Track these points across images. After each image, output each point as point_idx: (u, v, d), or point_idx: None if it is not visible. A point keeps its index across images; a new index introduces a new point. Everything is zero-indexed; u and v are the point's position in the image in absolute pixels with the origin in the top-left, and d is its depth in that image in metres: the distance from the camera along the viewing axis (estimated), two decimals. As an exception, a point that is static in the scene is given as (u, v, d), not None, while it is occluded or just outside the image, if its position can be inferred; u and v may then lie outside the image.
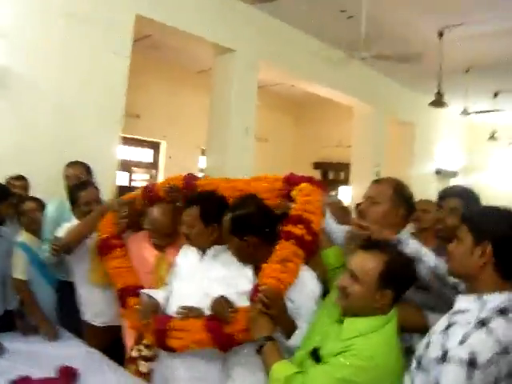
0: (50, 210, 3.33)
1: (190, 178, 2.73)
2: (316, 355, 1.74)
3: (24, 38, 4.05)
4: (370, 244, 1.82)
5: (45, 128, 4.19)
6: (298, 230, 2.11)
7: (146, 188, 2.89)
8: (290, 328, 1.98)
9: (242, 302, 2.13)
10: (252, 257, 2.17)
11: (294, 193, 2.26)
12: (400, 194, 2.09)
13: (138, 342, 2.57)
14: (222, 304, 2.11)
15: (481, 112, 9.07)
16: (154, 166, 8.39)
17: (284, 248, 2.10)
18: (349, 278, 1.74)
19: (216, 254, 2.38)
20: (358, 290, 1.71)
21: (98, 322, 3.02)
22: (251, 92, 6.25)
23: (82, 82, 4.43)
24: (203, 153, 8.39)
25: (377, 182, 2.20)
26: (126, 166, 7.79)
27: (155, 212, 2.73)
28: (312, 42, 6.92)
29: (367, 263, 1.72)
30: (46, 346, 2.88)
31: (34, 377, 2.36)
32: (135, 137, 7.77)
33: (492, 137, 9.82)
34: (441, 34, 6.46)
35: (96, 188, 3.11)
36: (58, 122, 4.27)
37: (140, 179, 8.23)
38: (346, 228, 2.31)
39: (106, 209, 2.90)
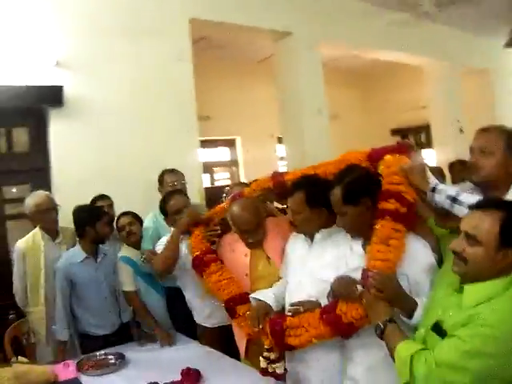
0: (147, 222, 3.50)
1: (277, 176, 2.68)
2: (439, 329, 1.67)
3: (91, 65, 4.23)
4: (483, 202, 1.71)
5: (126, 147, 4.34)
6: (391, 205, 2.02)
7: (233, 198, 2.82)
8: (409, 307, 1.90)
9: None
10: (366, 224, 2.09)
11: (380, 169, 2.18)
12: None
13: (247, 345, 2.64)
14: (345, 283, 2.05)
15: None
16: (233, 163, 8.47)
17: (382, 226, 2.02)
18: (465, 241, 1.63)
19: (324, 238, 2.36)
20: (477, 252, 1.59)
21: (209, 323, 3.09)
22: (316, 72, 6.13)
23: (151, 96, 4.54)
24: (279, 141, 8.41)
25: (484, 130, 2.07)
26: (206, 167, 7.90)
27: (235, 209, 2.65)
28: (370, 8, 6.68)
29: (484, 222, 1.60)
30: (164, 352, 3.05)
31: (161, 382, 2.47)
32: (210, 138, 7.88)
33: None
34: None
35: (185, 195, 3.16)
36: (138, 139, 4.41)
37: (222, 178, 8.35)
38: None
39: (184, 225, 2.89)
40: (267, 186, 2.72)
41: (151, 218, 3.55)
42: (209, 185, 7.89)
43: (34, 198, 3.42)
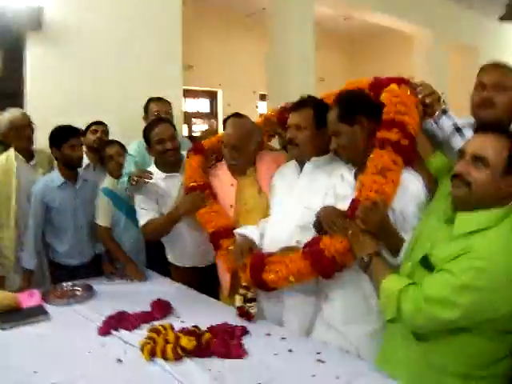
0: (132, 149, 3.33)
1: (283, 112, 2.59)
2: (427, 263, 1.61)
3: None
4: (487, 127, 1.63)
5: (104, 79, 4.19)
6: (393, 135, 1.93)
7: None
8: (395, 243, 1.84)
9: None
10: (361, 149, 2.02)
11: (383, 96, 2.07)
12: None
13: (232, 281, 2.56)
14: (331, 213, 1.98)
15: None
16: (212, 115, 8.32)
17: (380, 156, 1.93)
18: (470, 164, 1.56)
19: (314, 168, 2.29)
20: (483, 175, 1.53)
21: (181, 263, 3.01)
22: (309, 23, 6.05)
23: (136, 32, 4.41)
24: (261, 98, 8.28)
25: (497, 65, 1.99)
26: (185, 117, 7.73)
27: (228, 125, 2.58)
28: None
29: (494, 144, 1.53)
30: (135, 286, 2.96)
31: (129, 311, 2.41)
32: (191, 88, 7.69)
33: None
34: None
35: (171, 125, 2.93)
36: (117, 73, 4.27)
37: (199, 130, 8.19)
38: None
39: (186, 212, 2.69)
40: (272, 118, 2.65)
41: (136, 144, 3.36)
42: (186, 135, 7.72)
43: (8, 115, 3.24)
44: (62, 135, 3.03)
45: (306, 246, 2.08)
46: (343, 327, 2.05)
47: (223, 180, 2.69)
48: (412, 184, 1.95)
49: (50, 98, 3.85)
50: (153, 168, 2.89)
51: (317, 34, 6.26)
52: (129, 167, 3.03)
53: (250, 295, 2.29)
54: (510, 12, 6.36)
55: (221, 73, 7.97)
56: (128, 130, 3.75)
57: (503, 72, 1.95)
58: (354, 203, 1.92)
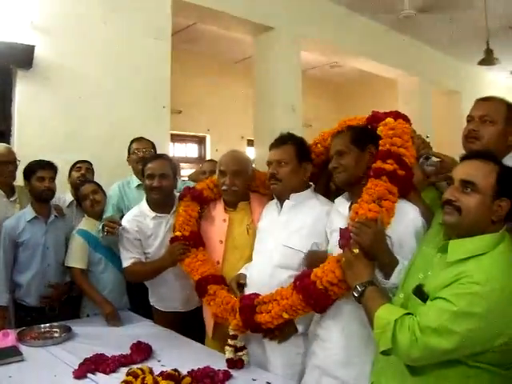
0: (111, 192, 3.32)
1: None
2: (421, 293, 1.55)
3: (65, 30, 4.02)
4: (474, 154, 1.63)
5: (92, 119, 4.14)
6: (389, 166, 1.93)
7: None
8: (391, 265, 1.79)
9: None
10: (360, 177, 2.02)
11: (379, 129, 2.09)
12: None
13: (216, 323, 2.51)
14: (317, 257, 1.98)
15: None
16: (200, 160, 8.32)
17: (376, 185, 1.91)
18: (460, 189, 1.54)
19: (294, 206, 2.28)
20: (474, 199, 1.51)
21: (164, 307, 2.91)
22: (295, 69, 6.08)
23: (125, 72, 4.36)
24: (249, 143, 8.32)
25: (485, 99, 2.02)
26: (173, 162, 7.76)
27: (228, 153, 2.63)
28: (351, 15, 6.72)
29: (482, 169, 1.53)
30: (115, 328, 2.83)
31: (108, 354, 2.30)
32: (179, 132, 7.71)
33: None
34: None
35: (169, 161, 2.87)
36: (105, 113, 4.21)
37: (188, 174, 8.17)
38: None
39: (172, 263, 2.65)
40: None
41: (116, 187, 3.37)
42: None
43: None
44: (31, 168, 3.03)
45: (296, 279, 2.03)
46: (341, 370, 1.96)
47: (215, 216, 2.66)
48: (408, 213, 1.92)
49: (37, 135, 3.79)
50: (144, 205, 2.84)
51: (303, 81, 6.35)
52: (107, 213, 3.01)
53: (239, 344, 2.22)
54: (488, 57, 6.50)
55: (209, 118, 8.00)
56: (115, 169, 3.73)
57: (491, 105, 1.97)
58: (344, 231, 1.88)
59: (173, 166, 2.85)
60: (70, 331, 2.66)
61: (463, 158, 1.64)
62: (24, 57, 3.75)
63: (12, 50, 3.69)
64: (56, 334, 2.66)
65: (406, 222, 1.90)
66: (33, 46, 3.76)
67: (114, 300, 2.99)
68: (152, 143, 3.56)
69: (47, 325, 2.74)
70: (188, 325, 2.78)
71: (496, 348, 1.42)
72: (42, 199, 3.03)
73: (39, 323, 2.77)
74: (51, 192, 3.03)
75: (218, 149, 8.20)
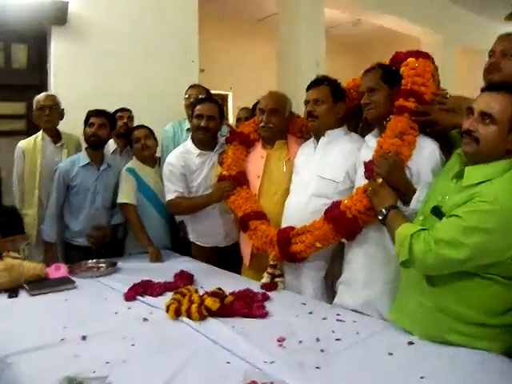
0: (167, 128, 3.63)
1: None
2: (438, 212, 1.72)
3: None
4: (494, 85, 1.75)
5: (125, 75, 4.29)
6: (410, 104, 2.08)
7: None
8: (410, 193, 1.97)
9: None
10: (388, 110, 2.17)
11: (402, 69, 2.23)
12: None
13: (253, 253, 2.73)
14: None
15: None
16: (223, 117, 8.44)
17: (398, 121, 2.07)
18: (479, 120, 1.66)
19: (329, 141, 2.47)
20: (490, 131, 1.64)
21: (204, 242, 3.11)
22: (319, 26, 6.15)
23: (156, 30, 4.50)
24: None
25: (506, 35, 2.10)
26: (195, 119, 7.86)
27: (267, 96, 2.79)
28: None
29: (501, 101, 1.64)
30: (157, 264, 3.03)
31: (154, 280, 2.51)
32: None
33: None
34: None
35: (218, 105, 3.05)
36: (140, 70, 4.38)
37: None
38: None
39: (218, 199, 2.87)
40: None
41: (170, 128, 3.72)
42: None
43: (36, 97, 3.39)
44: (86, 115, 3.22)
45: (327, 211, 2.22)
46: (363, 289, 2.16)
47: (255, 153, 2.86)
48: (428, 146, 2.07)
49: (71, 89, 3.95)
50: (189, 143, 3.03)
51: (326, 40, 6.39)
52: (166, 151, 3.37)
53: (277, 272, 2.45)
54: None
55: (231, 76, 8.07)
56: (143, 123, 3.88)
57: (511, 39, 2.06)
58: (369, 164, 2.07)
59: (220, 110, 3.04)
60: (116, 265, 2.88)
61: (484, 90, 1.75)
62: (58, 14, 3.89)
63: (47, 7, 3.83)
64: (102, 268, 2.89)
65: (424, 154, 2.06)
66: (67, 3, 3.90)
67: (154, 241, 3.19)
68: (206, 89, 3.75)
69: (94, 260, 2.97)
70: (225, 259, 3.00)
71: (505, 261, 1.58)
72: (89, 144, 3.20)
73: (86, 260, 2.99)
74: (97, 138, 3.16)
75: (239, 106, 8.31)
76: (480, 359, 1.60)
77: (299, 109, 2.83)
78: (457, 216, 1.61)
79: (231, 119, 8.37)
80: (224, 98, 8.42)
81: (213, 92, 8.07)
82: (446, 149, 2.06)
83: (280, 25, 6.21)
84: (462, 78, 8.48)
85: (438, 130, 2.09)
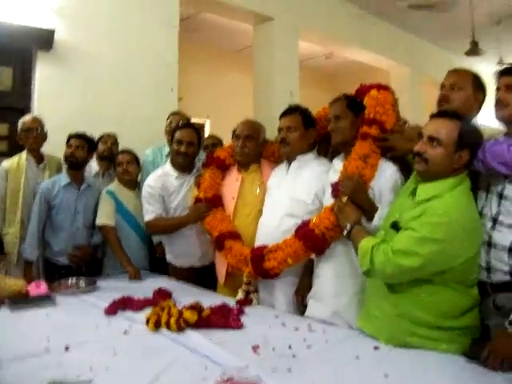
0: (147, 152, 3.78)
1: None
2: (396, 226, 1.91)
3: (84, 15, 4.34)
4: (440, 113, 1.97)
5: (106, 99, 4.44)
6: (373, 131, 2.30)
7: None
8: (371, 210, 2.16)
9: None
10: (353, 136, 2.36)
11: (365, 100, 2.44)
12: (478, 80, 2.25)
13: (228, 272, 2.85)
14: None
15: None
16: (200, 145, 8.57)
17: (362, 146, 2.28)
18: (428, 144, 1.87)
19: (300, 166, 2.64)
20: (439, 152, 1.84)
21: (180, 263, 3.23)
22: (293, 58, 6.41)
23: (133, 53, 4.68)
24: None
25: (455, 71, 2.32)
26: (173, 146, 7.98)
27: (243, 123, 2.98)
28: (347, 5, 7.10)
29: (446, 126, 1.86)
30: (136, 282, 3.12)
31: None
32: (178, 116, 7.97)
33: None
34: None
35: (196, 131, 3.21)
36: (121, 95, 4.55)
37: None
38: None
39: (194, 220, 3.02)
40: None
41: (150, 152, 3.90)
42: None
43: (22, 118, 3.53)
44: (67, 138, 3.36)
45: (297, 229, 2.40)
46: (332, 300, 2.32)
47: (230, 177, 3.03)
48: (388, 169, 2.29)
49: (54, 113, 4.05)
50: (168, 165, 3.18)
51: (300, 71, 6.63)
52: (145, 175, 3.44)
53: (251, 289, 2.59)
54: (474, 48, 6.99)
55: (209, 104, 8.26)
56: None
57: (459, 74, 2.29)
58: (335, 184, 2.26)
59: (199, 136, 3.22)
60: (95, 283, 2.96)
61: (432, 116, 1.97)
62: (45, 39, 4.05)
63: (34, 33, 3.98)
64: (82, 286, 2.96)
65: (385, 176, 2.27)
66: (53, 30, 4.05)
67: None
68: (186, 117, 3.97)
69: (74, 278, 3.04)
70: (202, 279, 3.11)
71: (456, 267, 1.78)
72: (68, 164, 3.33)
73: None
74: (74, 158, 3.29)
75: (216, 134, 8.47)
76: (440, 360, 1.76)
77: (274, 135, 3.02)
78: (411, 229, 1.80)
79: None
80: (201, 126, 8.59)
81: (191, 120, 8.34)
82: (405, 170, 2.27)
83: (256, 56, 6.45)
84: (429, 108, 8.85)
85: (395, 155, 2.29)
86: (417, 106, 8.42)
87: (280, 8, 6.14)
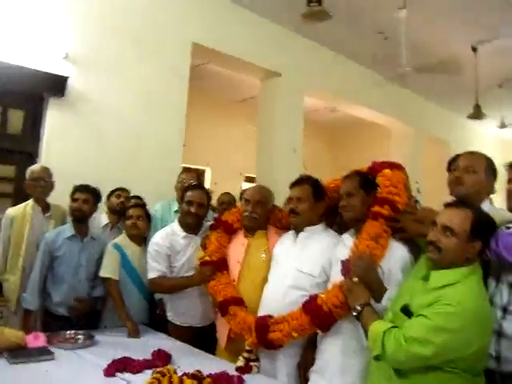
0: (156, 207, 3.78)
1: None
2: (407, 311, 1.91)
3: (98, 64, 4.45)
4: (454, 202, 2.03)
5: (114, 151, 4.53)
6: (385, 211, 2.31)
7: None
8: (381, 292, 2.17)
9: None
10: (364, 214, 2.37)
11: (378, 179, 2.47)
12: (491, 165, 2.31)
13: (229, 336, 2.80)
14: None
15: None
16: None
17: (374, 226, 2.30)
18: (441, 233, 1.91)
19: (308, 236, 2.64)
20: (452, 242, 1.88)
21: (181, 321, 3.19)
22: (298, 114, 6.55)
23: (147, 107, 4.79)
24: (246, 180, 8.72)
25: (470, 154, 2.38)
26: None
27: (253, 188, 3.02)
28: (352, 65, 7.31)
29: (460, 217, 1.90)
30: (135, 339, 3.07)
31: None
32: (182, 165, 8.04)
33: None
34: (474, 49, 6.66)
35: (206, 193, 3.25)
36: (128, 146, 4.63)
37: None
38: None
39: (198, 282, 3.00)
40: None
41: (159, 207, 3.90)
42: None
43: (31, 167, 3.56)
44: (72, 190, 3.36)
45: (305, 303, 2.39)
46: (337, 378, 2.29)
47: (237, 240, 3.02)
48: (398, 249, 2.31)
49: (62, 160, 4.11)
50: (176, 224, 3.19)
51: (303, 122, 6.76)
52: (153, 229, 3.44)
53: (252, 357, 2.55)
54: (477, 112, 7.09)
55: (210, 152, 8.36)
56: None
57: (474, 158, 2.35)
58: (346, 263, 2.27)
59: (208, 196, 3.24)
60: (93, 338, 2.92)
61: (446, 205, 2.02)
62: (57, 86, 4.14)
63: (47, 78, 4.07)
64: (80, 340, 2.92)
65: (395, 257, 2.28)
66: (66, 77, 4.15)
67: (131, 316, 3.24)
68: (197, 174, 4.06)
69: (72, 331, 3.00)
70: (201, 339, 3.07)
71: (466, 357, 1.78)
72: (74, 218, 3.32)
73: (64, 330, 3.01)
74: (80, 213, 3.29)
75: (216, 182, 8.56)
76: None
77: (275, 187, 3.08)
78: (424, 316, 1.80)
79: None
80: (201, 172, 8.66)
81: (191, 166, 8.42)
82: (415, 251, 2.29)
83: (261, 109, 6.58)
84: (429, 165, 9.01)
85: (406, 237, 2.32)
86: (419, 163, 8.58)
87: (288, 65, 6.31)
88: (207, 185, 8.60)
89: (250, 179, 8.99)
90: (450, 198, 2.48)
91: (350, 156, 10.48)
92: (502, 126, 8.74)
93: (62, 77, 4.12)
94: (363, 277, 2.16)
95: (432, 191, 7.98)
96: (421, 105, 8.90)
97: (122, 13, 4.63)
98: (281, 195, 3.02)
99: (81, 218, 3.32)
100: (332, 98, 7.60)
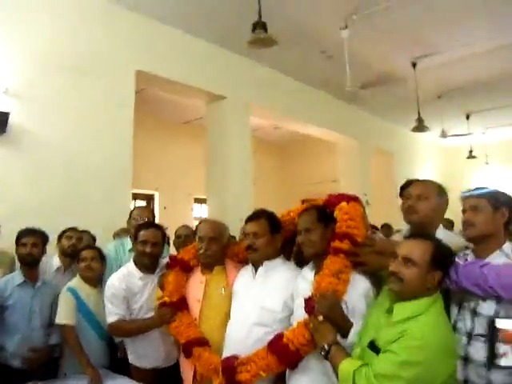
0: (109, 247, 3.60)
1: None
2: (374, 347, 1.92)
3: (38, 98, 4.32)
4: (413, 234, 2.06)
5: (59, 185, 4.37)
6: (345, 245, 2.30)
7: None
8: (346, 328, 2.14)
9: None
10: (325, 248, 2.34)
11: (336, 213, 2.46)
12: (442, 189, 2.36)
13: (195, 380, 2.71)
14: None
15: (456, 135, 9.57)
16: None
17: (335, 262, 2.28)
18: (402, 264, 1.93)
19: (267, 271, 2.60)
20: (413, 272, 1.90)
21: (143, 364, 3.06)
22: (245, 133, 6.58)
23: (91, 137, 4.67)
24: (196, 201, 8.62)
25: (421, 182, 2.43)
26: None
27: (205, 223, 2.93)
28: (298, 84, 7.42)
29: (420, 248, 1.93)
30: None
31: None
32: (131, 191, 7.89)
33: (470, 155, 10.29)
34: (414, 65, 6.93)
35: (160, 230, 3.13)
36: (72, 179, 4.48)
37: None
38: None
39: (158, 325, 2.91)
40: None
41: (112, 247, 3.68)
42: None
43: None
44: (18, 234, 3.20)
45: (270, 343, 2.34)
46: None
47: (194, 278, 2.94)
48: (360, 282, 2.29)
49: (5, 202, 3.93)
50: (131, 265, 3.07)
51: (251, 141, 6.79)
52: (109, 271, 3.28)
53: None
54: (420, 125, 7.36)
55: (157, 176, 8.24)
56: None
57: (424, 185, 2.41)
58: (309, 301, 2.23)
59: (163, 234, 3.14)
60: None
61: (406, 237, 2.06)
62: (-1, 122, 3.94)
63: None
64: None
65: (358, 289, 2.27)
66: (7, 113, 3.97)
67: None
68: (151, 211, 3.87)
69: (30, 383, 2.84)
70: (165, 381, 2.99)
71: None
72: (25, 263, 3.17)
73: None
74: (31, 257, 3.15)
75: (166, 206, 8.43)
76: None
77: (228, 207, 2.97)
78: (391, 352, 1.82)
79: (157, 219, 8.42)
80: (150, 197, 8.51)
81: (140, 192, 8.27)
82: (376, 282, 2.30)
83: (209, 131, 6.57)
84: (378, 176, 9.24)
85: (366, 270, 2.32)
86: (365, 176, 8.77)
87: (232, 87, 6.35)
88: (156, 210, 8.47)
89: (200, 200, 8.91)
90: (403, 224, 2.57)
91: (297, 171, 10.63)
92: (444, 135, 9.09)
93: (3, 112, 3.96)
94: (328, 315, 2.13)
95: (380, 201, 8.23)
96: (365, 119, 9.15)
97: (62, 46, 4.53)
98: (232, 216, 2.96)
99: (32, 263, 3.17)
100: (279, 117, 7.68)
